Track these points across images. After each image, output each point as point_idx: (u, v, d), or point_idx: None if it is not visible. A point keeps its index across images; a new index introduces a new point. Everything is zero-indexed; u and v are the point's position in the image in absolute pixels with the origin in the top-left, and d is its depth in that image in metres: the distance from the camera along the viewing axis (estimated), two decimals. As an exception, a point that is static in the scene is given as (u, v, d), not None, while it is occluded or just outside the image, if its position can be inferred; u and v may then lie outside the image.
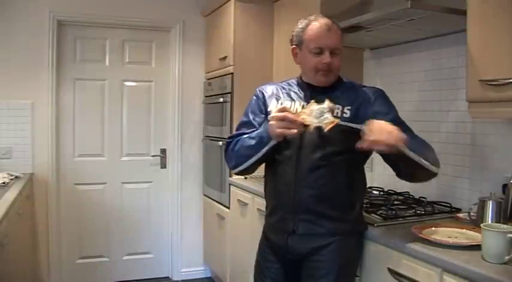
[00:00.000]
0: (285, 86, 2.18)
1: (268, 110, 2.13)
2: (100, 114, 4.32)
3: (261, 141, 1.97)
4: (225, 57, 3.92)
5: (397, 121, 1.92)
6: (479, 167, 2.42)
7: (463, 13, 2.04)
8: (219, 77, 4.07)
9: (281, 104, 2.09)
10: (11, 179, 3.47)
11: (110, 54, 4.32)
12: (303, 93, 2.10)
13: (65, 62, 4.17)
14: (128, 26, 4.30)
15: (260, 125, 2.09)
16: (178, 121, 4.45)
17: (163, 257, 4.55)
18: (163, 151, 4.49)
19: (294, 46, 2.10)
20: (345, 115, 1.98)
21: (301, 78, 2.15)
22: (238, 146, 2.07)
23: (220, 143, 3.92)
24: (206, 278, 4.56)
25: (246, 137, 2.05)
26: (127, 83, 4.39)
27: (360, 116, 1.96)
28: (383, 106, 2.01)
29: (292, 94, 2.12)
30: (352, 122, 1.95)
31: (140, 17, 4.26)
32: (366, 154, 2.03)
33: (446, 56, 2.63)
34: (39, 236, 4.06)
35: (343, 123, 1.93)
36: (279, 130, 1.84)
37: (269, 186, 2.19)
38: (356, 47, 3.20)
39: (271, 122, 1.89)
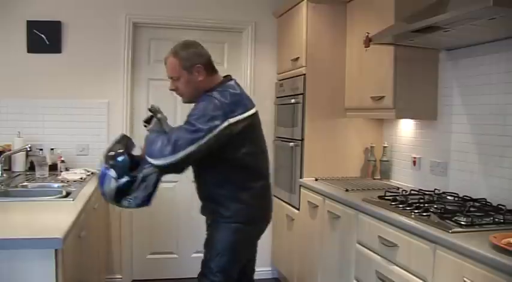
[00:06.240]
0: None
1: None
2: (172, 114, 4.39)
3: None
4: (297, 58, 3.90)
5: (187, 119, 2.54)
6: None
7: (551, 11, 1.92)
8: (291, 78, 4.06)
9: None
10: (88, 175, 3.62)
11: (183, 55, 4.39)
12: None
13: (139, 63, 4.31)
14: (201, 27, 4.37)
15: None
16: (248, 121, 4.46)
17: (230, 256, 4.58)
18: (232, 151, 4.52)
19: None
20: None
21: None
22: None
23: (291, 143, 3.92)
24: (273, 278, 4.56)
25: None
26: (199, 84, 4.44)
27: None
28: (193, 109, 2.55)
29: None
30: None
31: (213, 18, 4.32)
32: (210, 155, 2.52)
33: (529, 57, 2.49)
34: (113, 230, 4.21)
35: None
36: None
37: None
38: (431, 48, 3.09)
39: None
